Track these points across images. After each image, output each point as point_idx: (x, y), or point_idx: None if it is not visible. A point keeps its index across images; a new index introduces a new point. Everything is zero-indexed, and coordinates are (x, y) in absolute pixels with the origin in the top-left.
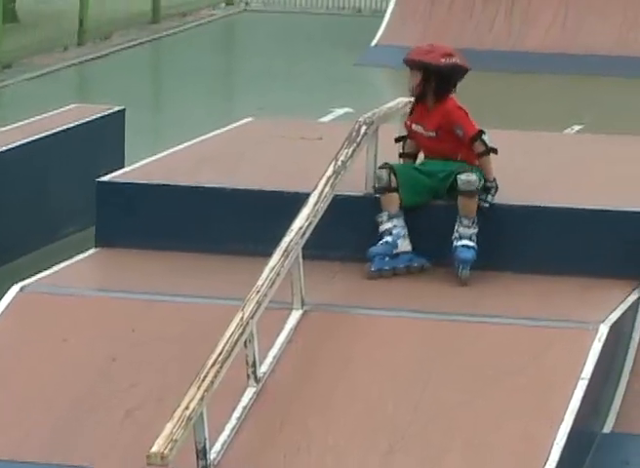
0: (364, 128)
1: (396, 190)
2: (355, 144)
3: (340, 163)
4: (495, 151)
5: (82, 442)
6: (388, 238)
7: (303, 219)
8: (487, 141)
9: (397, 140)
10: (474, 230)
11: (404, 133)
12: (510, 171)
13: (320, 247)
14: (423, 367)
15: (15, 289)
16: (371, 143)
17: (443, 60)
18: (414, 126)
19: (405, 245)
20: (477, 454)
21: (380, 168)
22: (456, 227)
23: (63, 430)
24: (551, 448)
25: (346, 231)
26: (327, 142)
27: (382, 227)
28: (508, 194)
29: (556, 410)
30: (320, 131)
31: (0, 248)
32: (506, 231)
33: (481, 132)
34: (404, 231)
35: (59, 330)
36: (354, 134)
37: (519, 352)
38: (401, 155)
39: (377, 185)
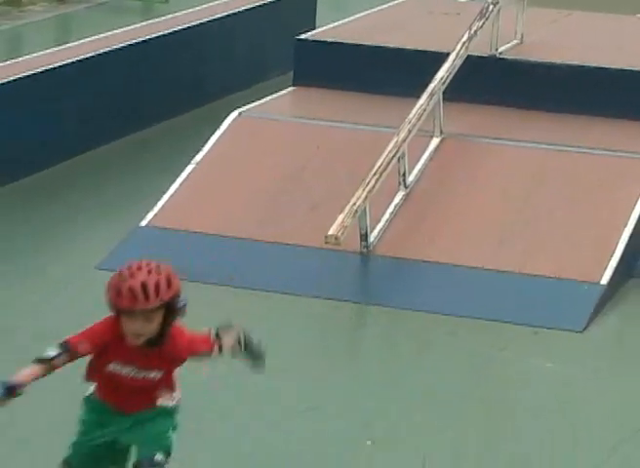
0: (491, 6)
1: None
2: (485, 18)
3: (472, 31)
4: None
5: (278, 226)
6: None
7: (444, 71)
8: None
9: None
10: None
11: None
12: (598, 40)
13: (456, 92)
14: (528, 183)
15: (234, 114)
16: (496, 18)
17: (179, 285)
18: (112, 366)
19: None
20: (567, 247)
21: None
22: None
23: (264, 215)
24: (617, 244)
25: (475, 82)
26: (463, 17)
27: None
28: (596, 57)
29: (622, 218)
30: (458, 8)
31: (225, 85)
32: (583, 89)
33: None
34: None
35: (264, 144)
36: (484, 11)
37: (595, 174)
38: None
39: None
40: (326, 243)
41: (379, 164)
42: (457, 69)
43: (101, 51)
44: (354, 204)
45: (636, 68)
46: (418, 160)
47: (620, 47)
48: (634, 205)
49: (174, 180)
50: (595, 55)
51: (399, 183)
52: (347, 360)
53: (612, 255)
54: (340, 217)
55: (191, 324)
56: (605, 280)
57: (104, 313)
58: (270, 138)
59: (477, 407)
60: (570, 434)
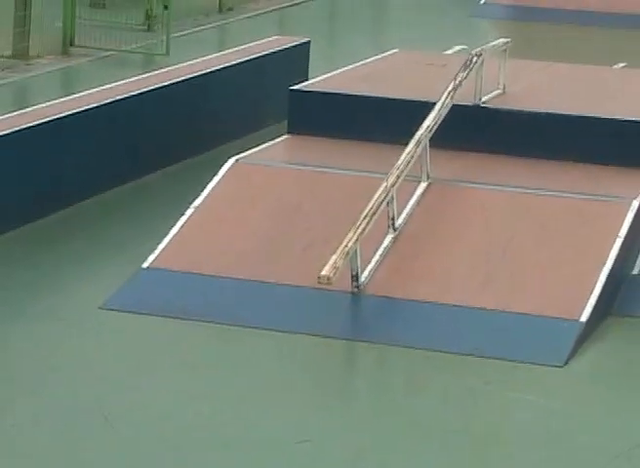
0: (475, 58)
1: None
2: (469, 69)
3: (457, 82)
4: None
5: (273, 266)
6: None
7: (431, 120)
8: None
9: None
10: None
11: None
12: (575, 89)
13: (442, 140)
14: (510, 225)
15: (232, 160)
16: (479, 69)
17: None
18: None
19: None
20: (548, 286)
21: None
22: None
23: (261, 257)
24: (595, 283)
25: (460, 130)
26: (448, 68)
27: None
28: (574, 106)
29: (600, 258)
30: (444, 60)
31: (223, 134)
32: (562, 136)
33: None
34: None
35: (260, 189)
36: (468, 62)
37: (574, 217)
38: None
39: None
40: (319, 283)
41: (369, 208)
42: (442, 118)
43: (102, 102)
44: (346, 246)
45: (612, 116)
46: (406, 204)
47: (596, 96)
48: (611, 246)
49: (173, 225)
50: (573, 103)
51: (388, 226)
52: (338, 394)
53: (591, 294)
54: (333, 259)
55: (190, 361)
56: (584, 317)
57: (109, 350)
58: (265, 184)
59: (466, 439)
60: (557, 466)
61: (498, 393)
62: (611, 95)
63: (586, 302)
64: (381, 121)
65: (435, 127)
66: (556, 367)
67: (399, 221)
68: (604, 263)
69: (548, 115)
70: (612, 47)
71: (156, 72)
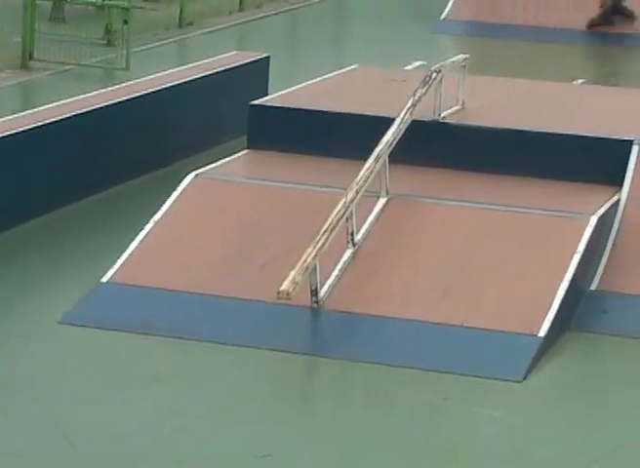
0: (434, 74)
1: None
2: (428, 85)
3: (417, 97)
4: None
5: (233, 281)
6: None
7: (390, 135)
8: None
9: None
10: None
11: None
12: (534, 105)
13: (401, 155)
14: (469, 240)
15: (191, 175)
16: (438, 85)
17: None
18: None
19: None
20: (507, 301)
21: None
22: None
23: (221, 272)
24: (554, 298)
25: (419, 145)
26: (408, 84)
27: None
28: (533, 122)
29: (558, 274)
30: (404, 76)
31: (183, 148)
32: (521, 152)
33: None
34: None
35: (220, 204)
36: (427, 78)
37: (533, 232)
38: None
39: None
40: (278, 298)
41: (328, 223)
42: (402, 133)
43: (62, 116)
44: (305, 261)
45: (569, 132)
46: (365, 219)
47: (555, 112)
48: (569, 261)
49: (133, 239)
50: (532, 119)
51: (348, 241)
52: (299, 409)
53: (549, 309)
54: (292, 274)
55: (150, 376)
56: (542, 332)
57: (67, 365)
58: (225, 198)
59: (427, 454)
60: None
61: (457, 408)
62: (570, 111)
63: (545, 317)
64: (341, 136)
65: (395, 142)
66: (515, 382)
67: (358, 237)
68: (562, 279)
69: (507, 131)
70: (571, 63)
71: (116, 87)
